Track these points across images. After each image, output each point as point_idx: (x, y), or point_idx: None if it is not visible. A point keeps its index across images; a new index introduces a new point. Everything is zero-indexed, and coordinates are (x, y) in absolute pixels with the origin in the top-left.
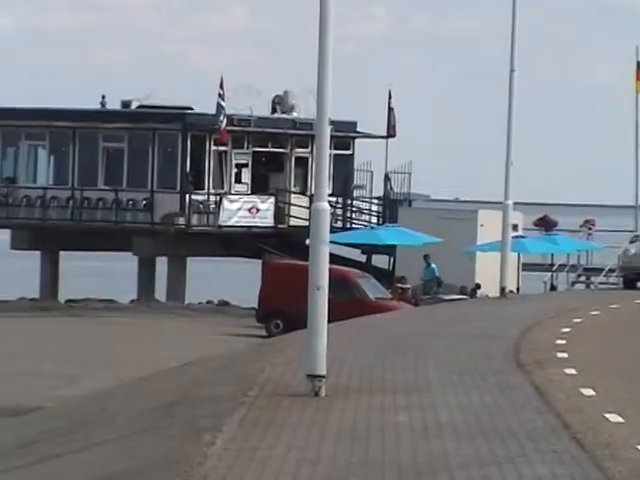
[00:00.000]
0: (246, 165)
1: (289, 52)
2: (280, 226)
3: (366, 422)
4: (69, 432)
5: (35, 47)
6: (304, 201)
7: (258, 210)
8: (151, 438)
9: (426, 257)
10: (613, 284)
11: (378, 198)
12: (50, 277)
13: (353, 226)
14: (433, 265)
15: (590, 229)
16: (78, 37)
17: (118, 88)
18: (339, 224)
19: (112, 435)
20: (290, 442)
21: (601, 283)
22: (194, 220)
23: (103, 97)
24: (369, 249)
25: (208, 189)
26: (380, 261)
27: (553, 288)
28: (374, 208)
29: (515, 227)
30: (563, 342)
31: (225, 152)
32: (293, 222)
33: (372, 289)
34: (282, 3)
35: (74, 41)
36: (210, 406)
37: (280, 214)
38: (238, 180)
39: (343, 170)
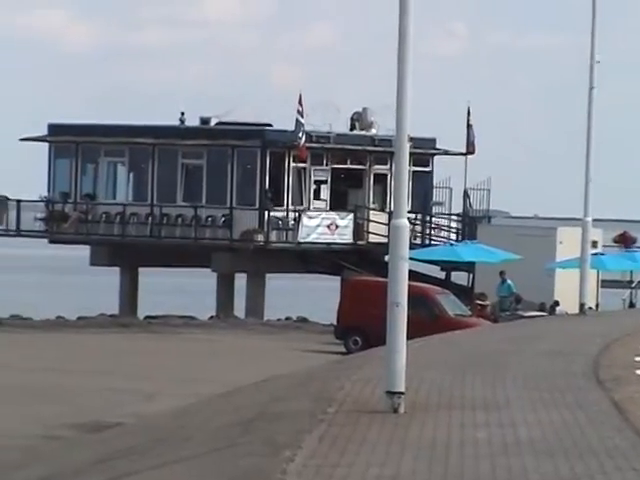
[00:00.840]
0: (325, 182)
1: (368, 69)
2: (359, 242)
3: (445, 439)
4: (147, 449)
5: (119, 64)
6: (383, 218)
7: (337, 227)
8: (230, 455)
9: (502, 273)
10: None
11: (457, 215)
12: (129, 293)
13: (432, 243)
14: (509, 281)
15: None
16: (162, 53)
17: (197, 104)
18: (418, 241)
19: (191, 452)
20: (369, 459)
21: None
22: (273, 236)
23: (182, 114)
24: (448, 266)
25: (287, 206)
26: (459, 278)
27: (632, 305)
28: (453, 225)
29: (595, 244)
30: None
31: (304, 169)
32: (372, 239)
33: (451, 306)
34: (363, 21)
35: (158, 57)
36: (289, 423)
37: (359, 231)
38: (317, 197)
39: (422, 187)
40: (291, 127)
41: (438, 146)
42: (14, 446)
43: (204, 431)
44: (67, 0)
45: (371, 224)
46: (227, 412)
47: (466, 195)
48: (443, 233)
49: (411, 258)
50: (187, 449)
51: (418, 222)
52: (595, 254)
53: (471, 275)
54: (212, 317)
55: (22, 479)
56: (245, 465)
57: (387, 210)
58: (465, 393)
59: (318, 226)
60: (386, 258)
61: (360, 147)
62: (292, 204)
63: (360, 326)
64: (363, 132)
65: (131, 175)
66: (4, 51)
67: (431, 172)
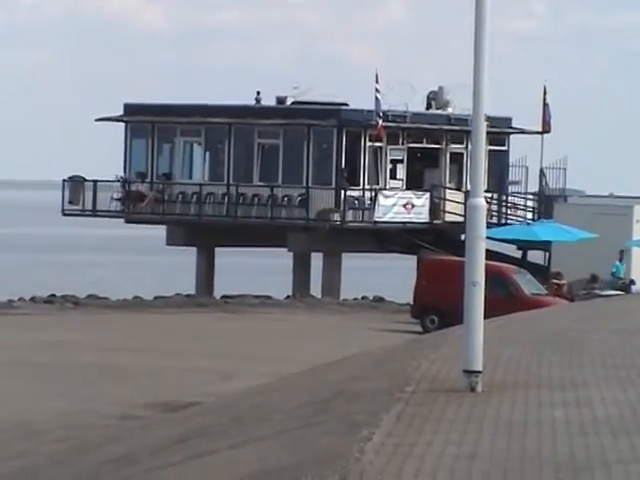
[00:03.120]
0: (401, 161)
1: (444, 47)
2: (435, 222)
3: (523, 417)
4: (225, 428)
5: (195, 44)
6: (459, 197)
7: (413, 206)
8: (307, 433)
9: (621, 252)
10: None
11: (533, 194)
12: (206, 273)
13: (508, 222)
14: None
15: None
16: (238, 33)
17: (274, 84)
18: (494, 220)
19: (268, 431)
20: (447, 437)
21: None
22: (349, 216)
23: (258, 93)
24: (525, 245)
25: (363, 185)
26: (536, 257)
27: None
28: (529, 204)
29: None
30: None
31: (380, 148)
32: (448, 218)
33: (528, 285)
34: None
35: (234, 36)
36: (366, 402)
37: (435, 210)
38: (393, 176)
39: (498, 166)
40: (366, 106)
41: (514, 125)
42: (94, 425)
43: (281, 410)
44: None
45: (447, 203)
46: (304, 391)
47: (542, 174)
48: (519, 212)
49: (488, 237)
50: (264, 428)
51: (494, 201)
52: None
53: (547, 254)
54: (288, 297)
55: (103, 457)
56: (322, 444)
57: (463, 189)
58: (542, 372)
59: (394, 205)
60: (462, 237)
61: (436, 126)
62: (368, 183)
63: (437, 305)
64: (439, 111)
65: (207, 155)
66: (82, 34)
67: (507, 151)
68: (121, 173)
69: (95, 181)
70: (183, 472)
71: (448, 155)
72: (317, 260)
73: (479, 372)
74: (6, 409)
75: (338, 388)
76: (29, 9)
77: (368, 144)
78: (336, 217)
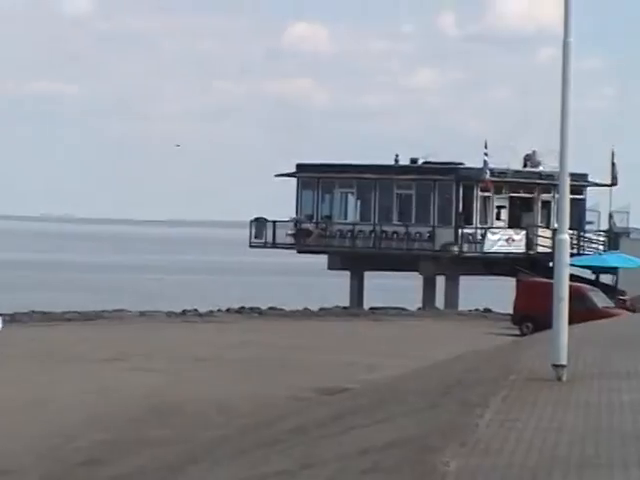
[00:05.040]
0: (504, 207)
1: (538, 120)
2: (530, 252)
3: (597, 400)
4: (371, 408)
5: (351, 119)
6: (548, 233)
7: (513, 240)
8: (434, 412)
9: None
10: None
11: (604, 231)
12: (357, 290)
13: (585, 252)
14: None
15: None
16: (382, 110)
17: (408, 148)
18: (575, 251)
19: (404, 409)
20: (540, 415)
21: None
22: (465, 248)
23: (397, 155)
24: (597, 270)
25: (475, 225)
26: (606, 279)
27: None
28: (601, 239)
29: None
30: None
31: (488, 197)
32: (540, 249)
33: (600, 300)
34: (535, 83)
35: (379, 113)
36: (479, 388)
37: (530, 243)
38: (498, 218)
39: (577, 210)
40: (478, 165)
41: (589, 179)
42: (273, 404)
43: (413, 394)
44: (312, 70)
45: (539, 238)
46: (431, 380)
47: (610, 216)
48: (593, 245)
49: (570, 264)
50: (402, 407)
51: (575, 237)
52: None
53: (615, 277)
54: (419, 308)
55: (280, 429)
56: (446, 419)
57: (551, 227)
58: (612, 366)
59: (499, 240)
60: (551, 264)
61: (531, 180)
62: (479, 223)
63: (531, 315)
64: (533, 169)
65: (358, 202)
66: (269, 110)
67: (584, 199)
68: (294, 215)
69: (274, 221)
70: (342, 440)
71: (540, 202)
72: (441, 281)
73: (564, 366)
74: (207, 392)
75: (457, 377)
76: (225, 92)
77: (479, 194)
78: (455, 249)
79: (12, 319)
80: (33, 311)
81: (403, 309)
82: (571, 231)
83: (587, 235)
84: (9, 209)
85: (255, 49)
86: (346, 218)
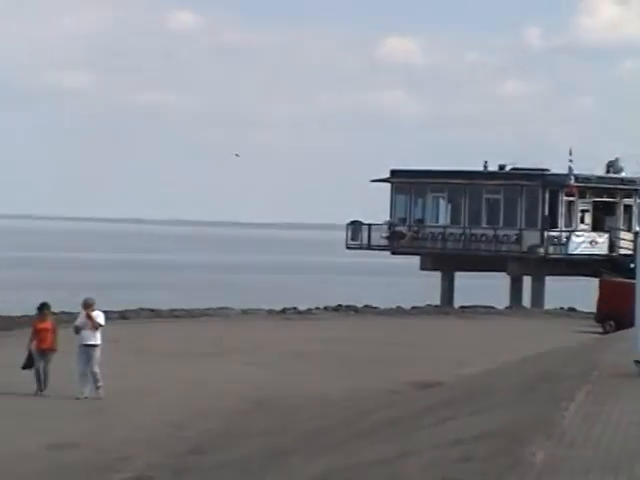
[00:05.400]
0: (588, 211)
1: (619, 127)
2: (612, 254)
3: None
4: (462, 401)
5: (440, 127)
6: (629, 236)
7: (596, 243)
8: (522, 405)
9: None
10: None
11: None
12: (447, 290)
13: None
14: None
15: None
16: (472, 120)
17: (496, 155)
18: None
19: (493, 402)
20: (622, 408)
21: None
22: (550, 250)
23: (485, 162)
24: None
25: (560, 228)
26: None
27: None
28: None
29: None
30: None
31: (572, 201)
32: (622, 251)
33: None
34: (622, 91)
35: (469, 122)
36: (564, 382)
37: (612, 245)
38: (582, 221)
39: None
40: (563, 171)
41: None
42: (369, 397)
43: (502, 388)
44: (405, 81)
45: (621, 240)
46: (519, 375)
47: None
48: None
49: None
50: (491, 401)
51: None
52: None
53: None
54: (507, 307)
55: (376, 420)
56: (533, 412)
57: (632, 230)
58: None
59: (583, 242)
60: (632, 265)
61: (613, 186)
62: (564, 226)
63: (613, 314)
64: (615, 175)
65: (449, 206)
66: (362, 121)
67: None
68: (388, 218)
69: (369, 224)
70: (434, 431)
71: (622, 206)
72: (527, 281)
73: None
74: (307, 385)
75: (543, 372)
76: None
77: (564, 198)
78: (541, 250)
79: (122, 316)
80: (141, 308)
81: (492, 308)
82: None
83: None
84: (143, 213)
85: (352, 61)
86: (437, 221)
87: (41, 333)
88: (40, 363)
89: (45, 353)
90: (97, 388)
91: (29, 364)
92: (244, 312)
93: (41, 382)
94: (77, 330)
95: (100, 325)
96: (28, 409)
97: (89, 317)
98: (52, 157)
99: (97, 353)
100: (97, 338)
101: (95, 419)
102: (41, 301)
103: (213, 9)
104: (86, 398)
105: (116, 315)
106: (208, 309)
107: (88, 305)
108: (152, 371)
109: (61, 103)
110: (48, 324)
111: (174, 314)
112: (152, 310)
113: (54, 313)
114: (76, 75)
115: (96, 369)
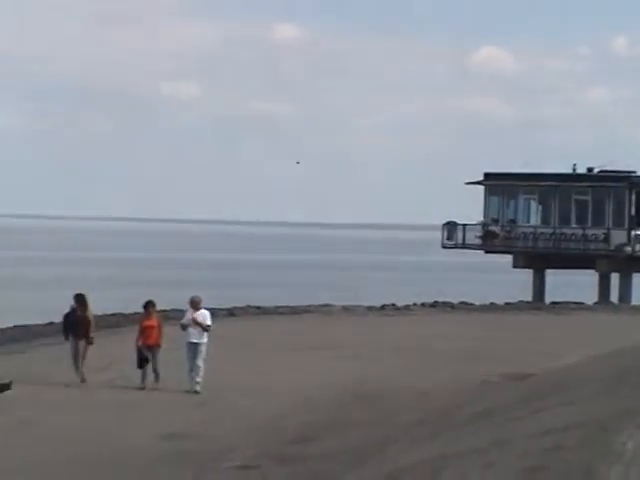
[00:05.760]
0: None
1: None
2: None
3: None
4: (553, 392)
5: (531, 131)
6: None
7: None
8: (611, 396)
9: None
10: None
11: None
12: (539, 286)
13: None
14: None
15: None
16: (560, 125)
17: (584, 158)
18: None
19: (583, 394)
20: None
21: None
22: (637, 248)
23: (574, 165)
24: None
25: None
26: None
27: None
28: None
29: None
30: None
31: None
32: None
33: None
34: None
35: (558, 127)
36: None
37: None
38: None
39: None
40: None
41: None
42: (462, 389)
43: (592, 380)
44: (497, 87)
45: None
46: (609, 367)
47: None
48: None
49: None
50: (581, 392)
51: None
52: None
53: None
54: (595, 303)
55: (470, 411)
56: (623, 403)
57: None
58: None
59: None
60: None
61: None
62: None
63: None
64: None
65: (540, 207)
66: (452, 124)
67: None
68: (482, 219)
69: (464, 224)
70: (527, 422)
71: None
72: (615, 278)
73: None
74: (405, 378)
75: (632, 365)
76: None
77: None
78: (628, 249)
79: (230, 313)
80: (248, 306)
81: (581, 303)
82: None
83: None
84: (245, 214)
85: (446, 68)
86: (529, 221)
87: (147, 330)
88: (149, 359)
89: (151, 349)
90: (197, 383)
91: (142, 362)
92: (345, 308)
93: (146, 378)
94: (183, 327)
95: (208, 326)
96: (140, 402)
97: (195, 322)
98: (159, 161)
99: (202, 349)
100: (203, 336)
101: (204, 411)
102: (146, 299)
103: (314, 21)
104: (196, 392)
105: (224, 312)
106: (310, 306)
107: (195, 303)
108: (258, 365)
109: (174, 111)
110: (153, 321)
111: (279, 311)
112: (258, 307)
113: (164, 310)
114: (187, 85)
115: (200, 364)
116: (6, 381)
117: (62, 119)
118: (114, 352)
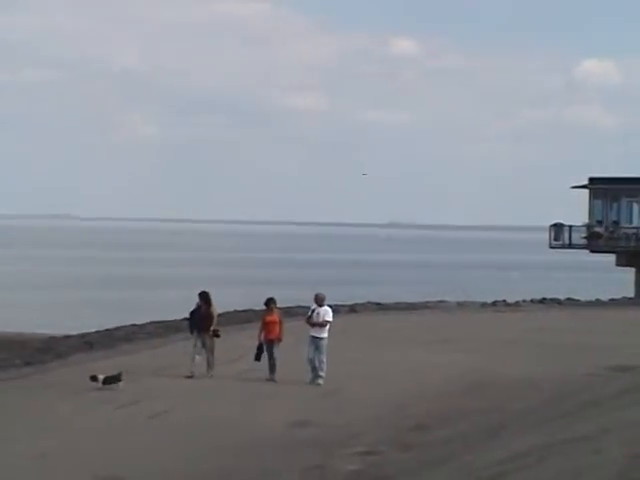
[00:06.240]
0: None
1: None
2: None
3: None
4: None
5: (635, 141)
6: None
7: None
8: None
9: None
10: None
11: None
12: None
13: None
14: None
15: None
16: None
17: None
18: None
19: None
20: None
21: None
22: None
23: None
24: None
25: None
26: None
27: None
28: None
29: None
30: None
31: None
32: None
33: None
34: None
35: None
36: None
37: None
38: None
39: None
40: None
41: None
42: (571, 380)
43: None
44: (601, 98)
45: None
46: None
47: None
48: None
49: None
50: None
51: None
52: None
53: None
54: None
55: (576, 402)
56: None
57: None
58: None
59: None
60: None
61: None
62: None
63: None
64: None
65: None
66: (559, 133)
67: None
68: (586, 221)
69: (570, 226)
70: (632, 410)
71: None
72: None
73: None
74: (515, 369)
75: None
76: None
77: None
78: None
79: (351, 309)
80: (369, 302)
81: None
82: None
83: None
84: (362, 217)
85: (552, 81)
86: (631, 223)
87: (269, 325)
88: (269, 352)
89: (272, 343)
90: (319, 377)
91: (259, 355)
92: (459, 304)
93: (272, 369)
94: (309, 323)
95: (328, 322)
96: (268, 392)
97: (311, 323)
98: (283, 168)
99: (324, 344)
100: (324, 331)
101: (329, 400)
102: (268, 297)
103: (430, 36)
104: (318, 384)
105: (346, 308)
106: (428, 302)
107: (320, 299)
108: (378, 357)
109: (296, 120)
110: (275, 317)
111: (397, 307)
112: (378, 304)
113: (288, 307)
114: (310, 96)
115: (323, 358)
116: (116, 373)
117: (199, 129)
118: (244, 345)
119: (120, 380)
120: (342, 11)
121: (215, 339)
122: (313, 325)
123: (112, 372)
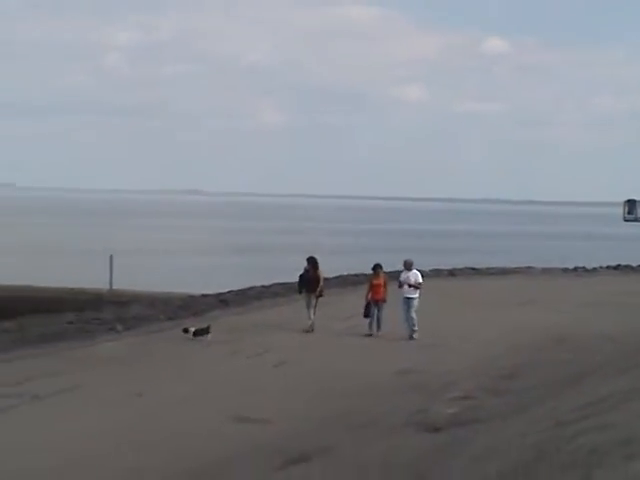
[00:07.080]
0: None
1: None
2: None
3: None
4: None
5: None
6: None
7: None
8: None
9: None
10: None
11: None
12: None
13: None
14: None
15: None
16: None
17: None
18: None
19: None
20: None
21: None
22: None
23: None
24: None
25: None
26: None
27: None
28: None
29: None
30: None
31: None
32: None
33: None
34: None
35: None
36: None
37: None
38: None
39: None
40: None
41: None
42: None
43: None
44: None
45: None
46: None
47: None
48: None
49: None
50: None
51: None
52: None
53: None
54: None
55: (608, 390)
56: None
57: None
58: None
59: None
60: None
61: None
62: None
63: None
64: None
65: None
66: (634, 121)
67: None
68: None
69: None
70: None
71: None
72: None
73: None
74: (594, 326)
75: None
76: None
77: None
78: None
79: (450, 273)
80: (466, 267)
81: None
82: None
83: None
84: (460, 192)
85: (629, 73)
86: None
87: (375, 287)
88: (374, 311)
89: (378, 303)
90: (413, 332)
91: (367, 313)
92: (544, 270)
93: (373, 326)
94: (400, 285)
95: (419, 284)
96: (373, 346)
97: (401, 285)
98: (401, 154)
99: (415, 303)
100: (415, 292)
101: (428, 352)
102: (375, 262)
103: (518, 35)
104: (413, 339)
105: (445, 272)
106: (517, 268)
107: (408, 265)
108: (474, 316)
109: (399, 110)
110: (381, 280)
111: (490, 272)
112: (473, 268)
113: (392, 272)
114: (411, 88)
115: (414, 316)
116: (204, 326)
117: (317, 117)
118: (356, 305)
119: (208, 332)
120: (442, 11)
121: (320, 298)
122: (409, 286)
123: (201, 325)
